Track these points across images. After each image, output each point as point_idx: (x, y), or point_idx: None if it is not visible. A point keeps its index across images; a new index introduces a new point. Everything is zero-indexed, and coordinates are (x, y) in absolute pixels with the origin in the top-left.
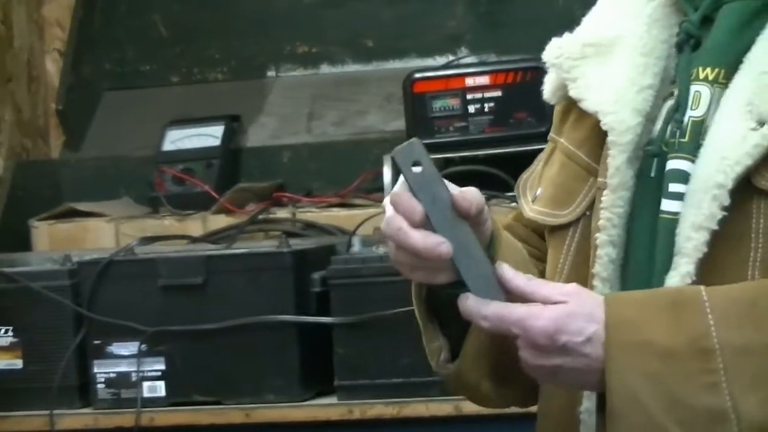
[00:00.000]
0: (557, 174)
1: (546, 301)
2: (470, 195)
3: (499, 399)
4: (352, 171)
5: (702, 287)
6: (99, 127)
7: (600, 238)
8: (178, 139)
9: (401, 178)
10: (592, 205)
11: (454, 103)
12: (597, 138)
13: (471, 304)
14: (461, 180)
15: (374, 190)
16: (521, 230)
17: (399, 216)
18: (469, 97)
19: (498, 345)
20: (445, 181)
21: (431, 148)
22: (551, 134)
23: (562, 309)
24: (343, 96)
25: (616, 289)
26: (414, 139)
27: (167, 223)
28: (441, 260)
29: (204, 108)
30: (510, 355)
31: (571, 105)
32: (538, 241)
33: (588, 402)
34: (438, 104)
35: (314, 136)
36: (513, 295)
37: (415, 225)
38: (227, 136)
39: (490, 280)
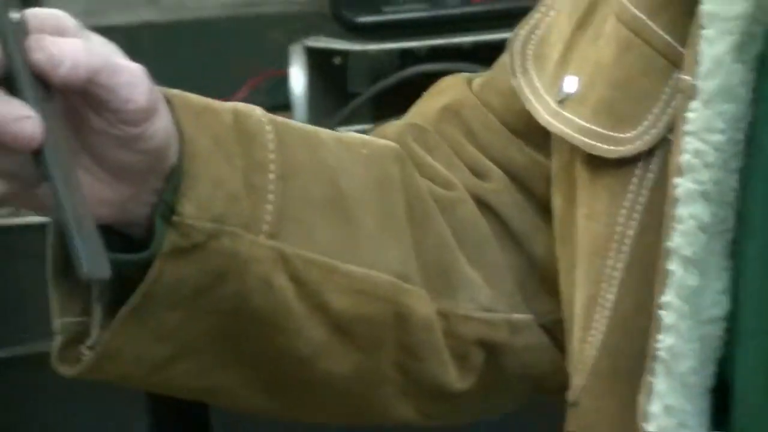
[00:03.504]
0: (615, 60)
1: None
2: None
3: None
4: (233, 72)
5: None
6: None
7: (682, 185)
8: None
9: None
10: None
11: None
12: (684, 3)
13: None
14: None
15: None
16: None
17: None
18: None
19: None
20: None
21: (376, 29)
22: None
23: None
24: None
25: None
26: None
27: None
28: (26, 147)
29: None
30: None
31: None
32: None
33: None
34: None
35: (162, 11)
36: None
37: None
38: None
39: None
